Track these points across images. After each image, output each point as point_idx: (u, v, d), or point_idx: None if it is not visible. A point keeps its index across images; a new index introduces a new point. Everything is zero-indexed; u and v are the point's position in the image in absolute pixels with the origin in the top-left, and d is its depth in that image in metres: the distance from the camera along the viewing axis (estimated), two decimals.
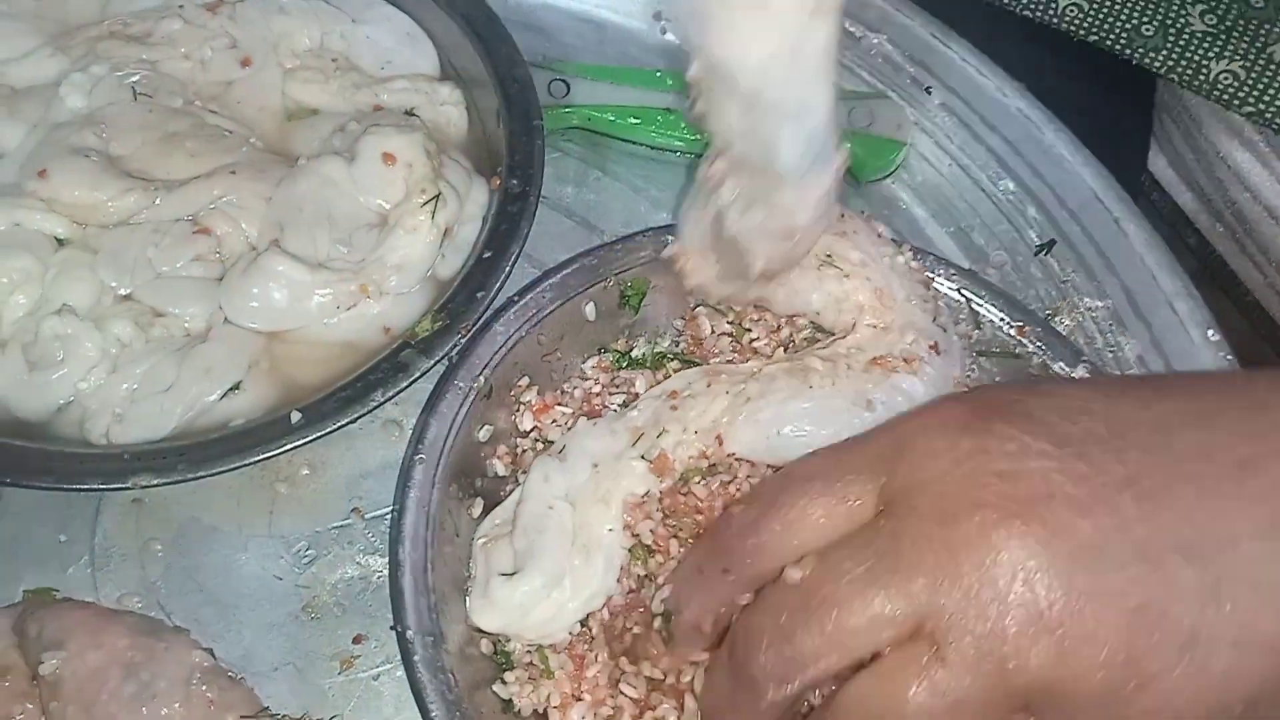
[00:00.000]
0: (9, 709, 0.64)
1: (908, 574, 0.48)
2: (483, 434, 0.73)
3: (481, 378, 0.72)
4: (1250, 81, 0.92)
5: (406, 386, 0.74)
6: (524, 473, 0.73)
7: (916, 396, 0.69)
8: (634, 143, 0.94)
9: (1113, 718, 0.48)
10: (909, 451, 0.52)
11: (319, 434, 0.72)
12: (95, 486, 0.71)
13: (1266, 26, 0.92)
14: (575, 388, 0.77)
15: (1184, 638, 0.46)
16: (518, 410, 0.75)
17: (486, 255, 0.78)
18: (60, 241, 0.78)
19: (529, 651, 0.68)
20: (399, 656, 0.68)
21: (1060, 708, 0.48)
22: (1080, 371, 0.75)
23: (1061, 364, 0.76)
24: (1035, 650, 0.47)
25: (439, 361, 0.75)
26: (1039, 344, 0.77)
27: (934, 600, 0.48)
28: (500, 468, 0.74)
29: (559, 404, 0.76)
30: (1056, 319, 0.86)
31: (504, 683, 0.67)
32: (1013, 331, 0.77)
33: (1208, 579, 0.47)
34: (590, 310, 0.77)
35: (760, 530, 0.55)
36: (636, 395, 0.74)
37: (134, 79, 0.84)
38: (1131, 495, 0.48)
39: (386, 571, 0.75)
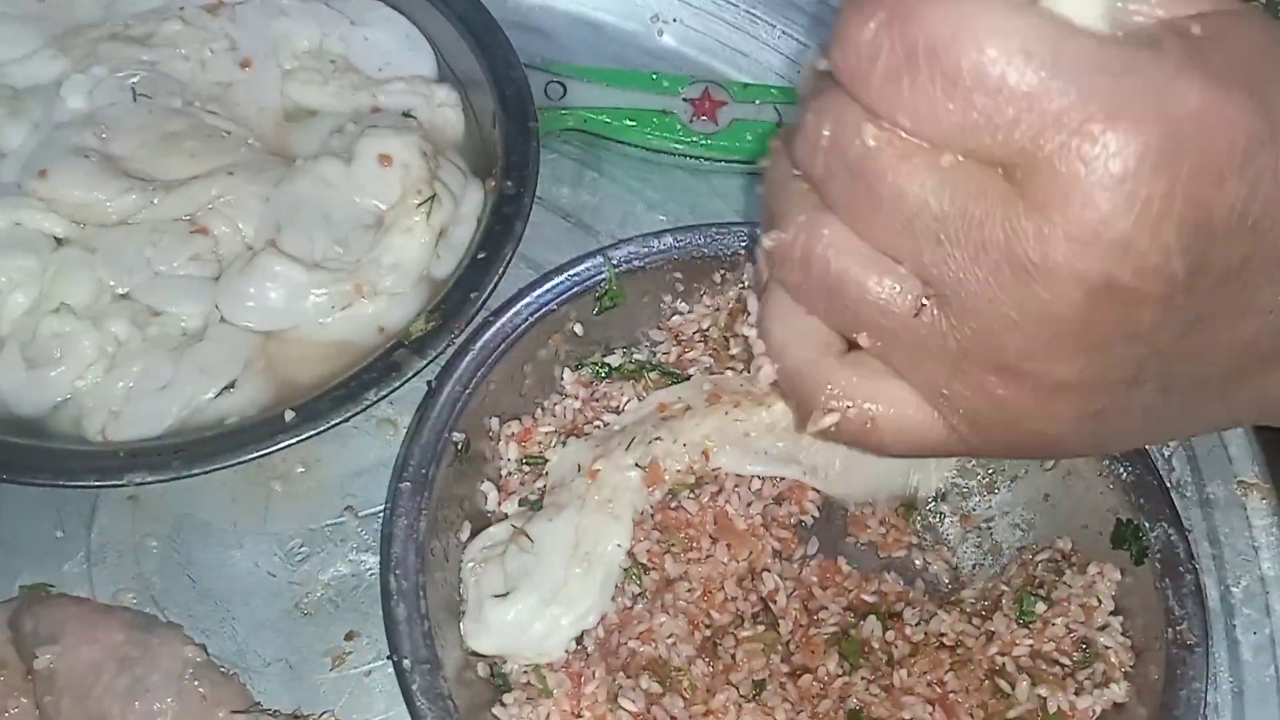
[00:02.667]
0: (3, 703, 0.65)
1: None
2: (468, 459, 0.74)
3: (459, 431, 0.72)
4: None
5: (400, 386, 0.75)
6: (512, 494, 0.74)
7: None
8: (630, 145, 0.94)
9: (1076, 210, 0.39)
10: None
11: (313, 432, 0.73)
12: (91, 483, 0.72)
13: None
14: (556, 404, 0.77)
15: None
16: (501, 441, 0.75)
17: (481, 256, 0.79)
18: (59, 241, 0.79)
19: (526, 672, 0.69)
20: (399, 683, 0.68)
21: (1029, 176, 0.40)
22: None
23: None
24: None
25: (432, 361, 0.75)
26: None
27: None
28: (490, 494, 0.74)
29: (540, 425, 0.76)
30: None
31: (503, 704, 0.67)
32: None
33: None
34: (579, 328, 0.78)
35: None
36: (619, 410, 0.75)
37: (134, 80, 0.85)
38: None
39: (379, 570, 0.75)
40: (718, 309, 0.78)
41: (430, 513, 0.69)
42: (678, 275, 0.79)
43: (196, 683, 0.66)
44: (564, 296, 0.76)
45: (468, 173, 0.86)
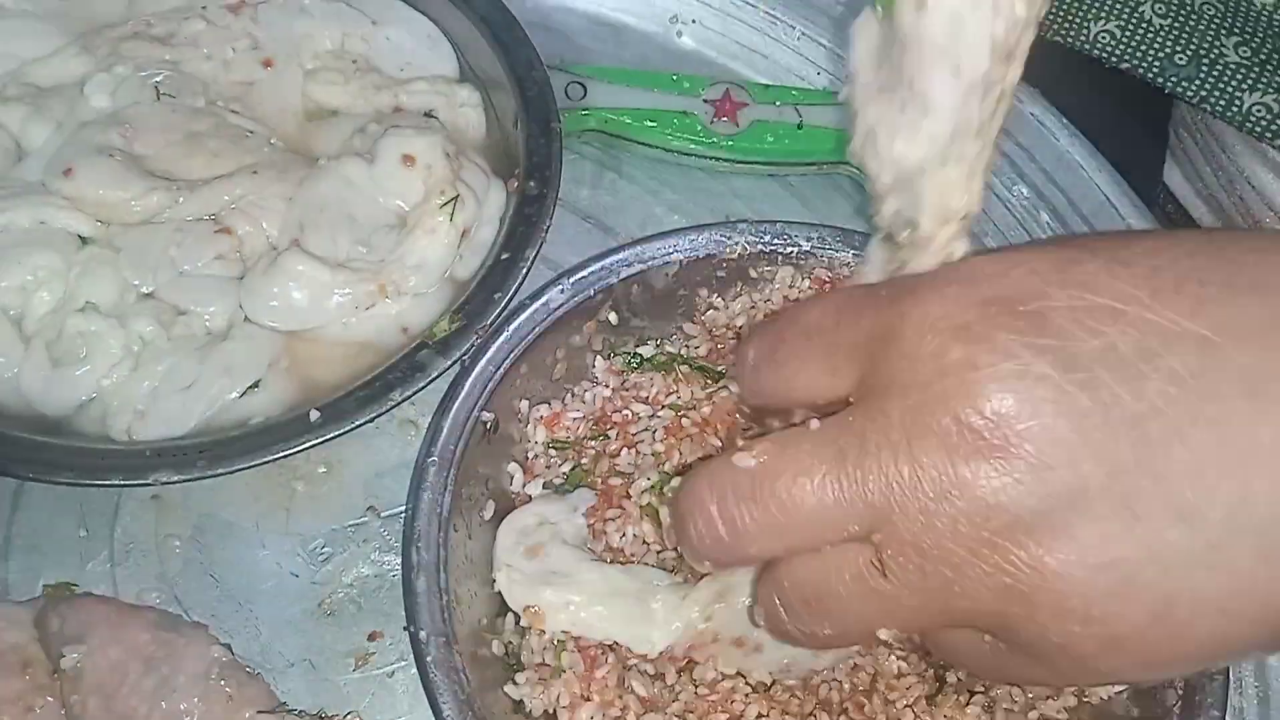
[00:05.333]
0: (30, 701, 0.65)
1: (863, 480, 0.45)
2: (496, 439, 0.74)
3: (489, 410, 0.73)
4: None
5: (424, 387, 0.75)
6: (536, 477, 0.74)
7: None
8: (651, 146, 0.94)
9: (1074, 665, 0.46)
10: (897, 342, 0.46)
11: (337, 433, 0.72)
12: (116, 482, 0.72)
13: None
14: (586, 391, 0.77)
15: (1158, 603, 0.42)
16: (529, 424, 0.76)
17: (504, 257, 0.79)
18: (84, 239, 0.79)
19: (544, 650, 0.69)
20: (414, 654, 0.68)
21: (1014, 639, 0.46)
22: None
23: None
24: (986, 586, 0.44)
25: (456, 362, 0.75)
26: None
27: (884, 513, 0.45)
28: (515, 475, 0.75)
29: (569, 411, 0.76)
30: None
31: (515, 684, 0.68)
32: None
33: (1199, 542, 0.41)
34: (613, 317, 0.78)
35: (758, 386, 0.56)
36: (648, 400, 0.75)
37: (157, 79, 0.85)
38: (1132, 440, 0.42)
39: (401, 545, 0.75)
40: (753, 306, 0.78)
41: (455, 489, 0.70)
42: (719, 271, 0.79)
43: (223, 682, 0.66)
44: (600, 284, 0.76)
45: (490, 173, 0.86)
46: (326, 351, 0.79)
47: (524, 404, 0.76)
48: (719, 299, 0.79)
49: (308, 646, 0.74)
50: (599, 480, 0.73)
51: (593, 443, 0.75)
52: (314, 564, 0.77)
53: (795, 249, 0.78)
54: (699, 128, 0.93)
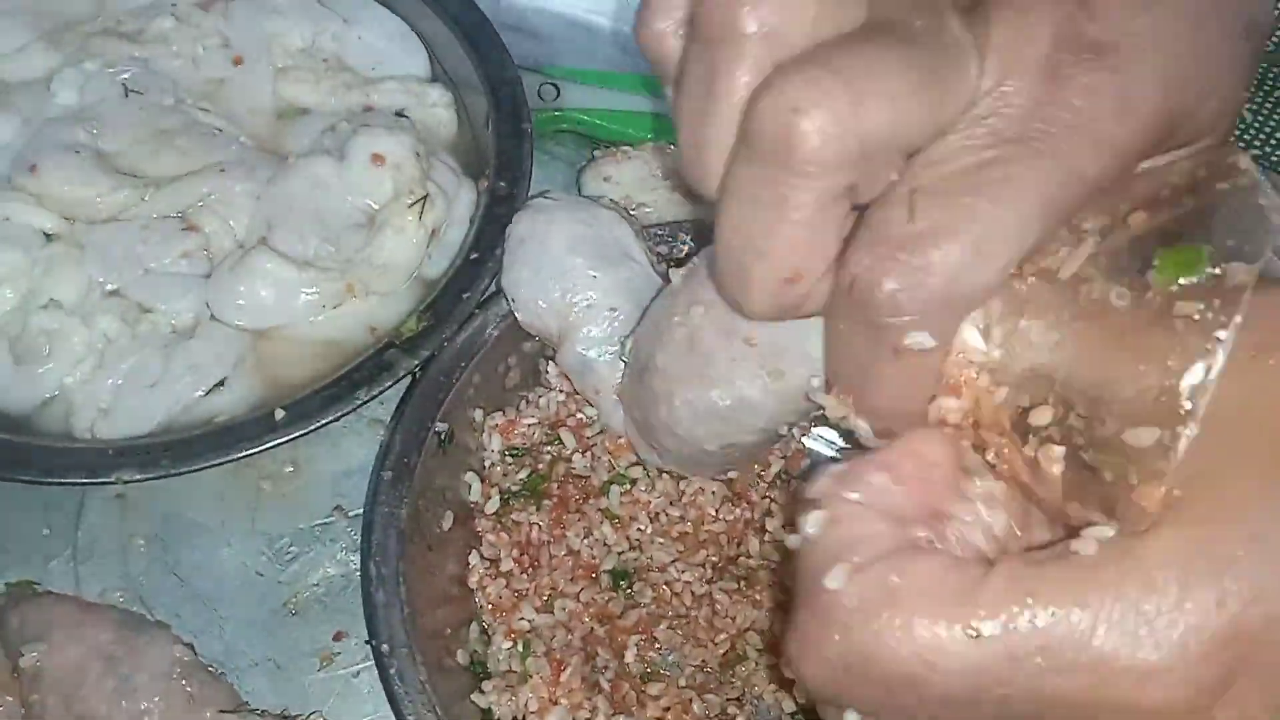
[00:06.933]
0: None
1: None
2: (452, 449, 0.74)
3: (443, 421, 0.73)
4: (1256, 125, 0.92)
5: (391, 386, 0.74)
6: (495, 486, 0.74)
7: None
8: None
9: None
10: None
11: (303, 431, 0.72)
12: (79, 480, 0.72)
13: (1275, 70, 0.91)
14: (540, 397, 0.77)
15: None
16: (484, 432, 0.76)
17: (473, 257, 0.79)
18: (49, 236, 0.79)
19: (509, 657, 0.69)
20: (377, 668, 0.68)
21: None
22: None
23: None
24: None
25: (423, 362, 0.75)
26: None
27: None
28: (473, 485, 0.75)
29: (524, 417, 0.76)
30: None
31: (482, 692, 0.68)
32: None
33: None
34: None
35: None
36: None
37: (125, 76, 0.84)
38: None
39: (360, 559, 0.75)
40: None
41: (411, 501, 0.70)
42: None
43: (184, 682, 0.66)
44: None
45: (460, 173, 0.86)
46: (293, 350, 0.79)
47: (478, 413, 0.75)
48: None
49: (272, 646, 0.74)
50: (555, 485, 0.73)
51: (548, 447, 0.75)
52: (279, 563, 0.76)
53: None
54: (671, 130, 0.93)
